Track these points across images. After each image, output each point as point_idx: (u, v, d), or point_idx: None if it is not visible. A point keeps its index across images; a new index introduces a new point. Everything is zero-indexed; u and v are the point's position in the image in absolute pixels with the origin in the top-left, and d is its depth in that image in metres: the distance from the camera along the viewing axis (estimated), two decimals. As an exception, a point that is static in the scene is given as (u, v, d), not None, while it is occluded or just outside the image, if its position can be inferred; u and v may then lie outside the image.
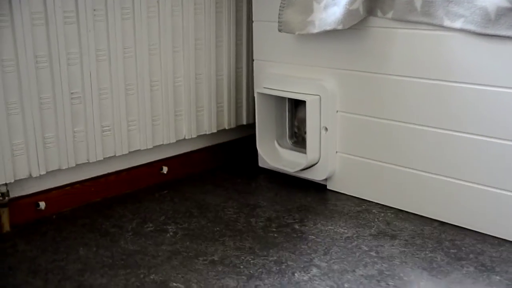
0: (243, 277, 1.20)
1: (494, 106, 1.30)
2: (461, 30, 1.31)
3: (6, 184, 1.41)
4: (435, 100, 1.39)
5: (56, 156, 1.47)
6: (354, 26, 1.47)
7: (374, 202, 1.57)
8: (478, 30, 1.27)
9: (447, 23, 1.32)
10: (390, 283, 1.17)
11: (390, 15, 1.42)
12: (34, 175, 1.43)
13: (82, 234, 1.40)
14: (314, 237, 1.37)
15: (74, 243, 1.35)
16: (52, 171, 1.48)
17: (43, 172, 1.44)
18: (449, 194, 1.41)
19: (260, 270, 1.23)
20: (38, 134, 1.42)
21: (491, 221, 1.35)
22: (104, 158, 1.57)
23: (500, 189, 1.32)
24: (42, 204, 1.48)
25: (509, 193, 1.31)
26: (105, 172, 1.63)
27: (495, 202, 1.34)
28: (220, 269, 1.23)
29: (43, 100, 1.42)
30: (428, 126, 1.42)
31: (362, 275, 1.20)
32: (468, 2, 1.27)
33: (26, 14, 1.35)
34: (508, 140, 1.29)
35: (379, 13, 1.44)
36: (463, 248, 1.31)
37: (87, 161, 1.54)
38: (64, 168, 1.49)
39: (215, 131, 1.83)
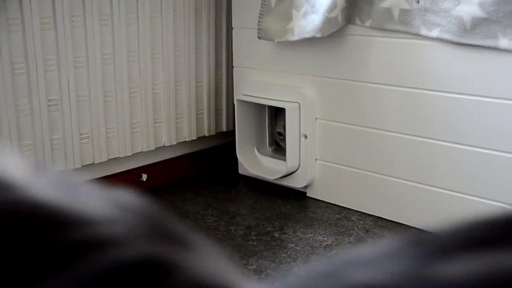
0: (222, 286, 1.19)
1: (471, 114, 1.31)
2: (437, 39, 1.32)
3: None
4: (413, 108, 1.40)
5: (33, 164, 1.44)
6: (333, 34, 1.48)
7: (354, 210, 1.57)
8: (454, 39, 1.28)
9: (424, 32, 1.33)
10: (368, 291, 1.18)
11: (368, 23, 1.43)
12: (10, 183, 1.41)
13: (59, 243, 1.38)
14: (293, 245, 1.37)
15: (51, 252, 1.34)
16: (29, 179, 1.46)
17: (19, 180, 1.42)
18: (427, 201, 1.42)
19: (239, 278, 1.22)
20: (14, 142, 1.40)
21: (468, 228, 1.36)
22: (82, 166, 1.56)
23: (476, 196, 1.34)
24: (19, 213, 1.46)
25: (485, 201, 1.33)
26: (84, 180, 1.61)
27: (472, 209, 1.35)
28: (199, 278, 1.22)
29: (19, 107, 1.40)
30: (405, 134, 1.43)
31: (341, 283, 1.21)
32: (445, 12, 1.29)
33: (2, 20, 1.33)
34: (485, 148, 1.31)
35: (358, 21, 1.45)
36: (440, 255, 1.31)
37: (64, 169, 1.52)
38: (41, 176, 1.47)
39: (195, 138, 1.82)
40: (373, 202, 1.53)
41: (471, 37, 1.26)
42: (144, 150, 1.69)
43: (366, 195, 1.54)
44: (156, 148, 1.73)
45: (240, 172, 1.83)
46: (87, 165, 1.57)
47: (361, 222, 1.50)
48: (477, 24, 1.24)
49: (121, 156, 1.64)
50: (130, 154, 1.66)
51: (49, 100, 1.45)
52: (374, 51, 1.44)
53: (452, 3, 1.27)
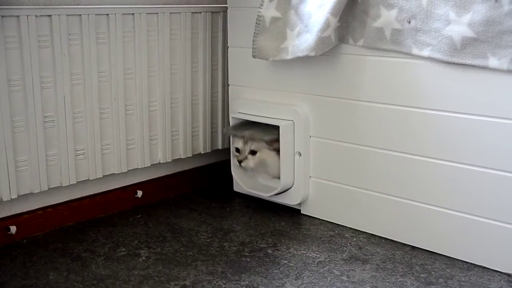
0: (214, 302, 1.20)
1: (462, 132, 1.33)
2: (429, 58, 1.34)
3: (-24, 208, 1.40)
4: (405, 126, 1.42)
5: (28, 180, 1.46)
6: (326, 53, 1.50)
7: (347, 227, 1.58)
8: (445, 58, 1.30)
9: (415, 51, 1.36)
10: (360, 307, 1.18)
11: (361, 42, 1.45)
12: (5, 199, 1.42)
13: (53, 258, 1.39)
14: (286, 261, 1.38)
15: (44, 267, 1.34)
16: (24, 195, 1.47)
17: (14, 196, 1.43)
18: (420, 219, 1.43)
19: (232, 294, 1.23)
20: (9, 158, 1.41)
21: (460, 245, 1.37)
22: (77, 182, 1.57)
23: (470, 214, 1.35)
24: (13, 229, 1.47)
25: (478, 218, 1.33)
26: (79, 196, 1.62)
27: (465, 227, 1.36)
28: (191, 294, 1.23)
29: (15, 123, 1.41)
30: (398, 152, 1.44)
31: (332, 299, 1.21)
32: (435, 32, 1.31)
33: (0, 37, 1.35)
34: (476, 166, 1.32)
35: (351, 41, 1.47)
36: (433, 273, 1.32)
37: (60, 185, 1.53)
38: (36, 192, 1.48)
39: (190, 155, 1.83)
40: (367, 219, 1.54)
41: (461, 56, 1.28)
42: (139, 167, 1.71)
43: (359, 213, 1.55)
44: (151, 165, 1.74)
45: (235, 189, 1.84)
46: (82, 181, 1.58)
47: (354, 239, 1.51)
48: (467, 44, 1.26)
49: (117, 172, 1.65)
50: (126, 170, 1.67)
51: (45, 116, 1.46)
52: (366, 70, 1.46)
53: (442, 23, 1.29)
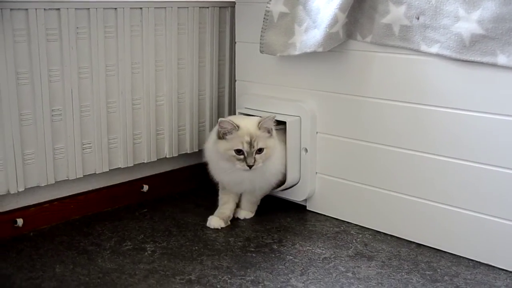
0: (219, 296, 1.20)
1: (470, 130, 1.32)
2: (437, 55, 1.33)
3: (-17, 200, 1.40)
4: (412, 123, 1.41)
5: (35, 173, 1.46)
6: (334, 49, 1.49)
7: (353, 223, 1.58)
8: (454, 55, 1.30)
9: (423, 48, 1.35)
10: (365, 304, 1.18)
11: (369, 39, 1.45)
12: (12, 191, 1.42)
13: (59, 251, 1.39)
14: (292, 257, 1.38)
15: (50, 260, 1.35)
16: (31, 187, 1.47)
17: (21, 189, 1.44)
18: (426, 216, 1.43)
19: (237, 289, 1.23)
20: (17, 150, 1.41)
21: (466, 243, 1.37)
22: (84, 176, 1.57)
23: (476, 212, 1.34)
24: (20, 221, 1.47)
25: (484, 216, 1.33)
26: (85, 190, 1.63)
27: (471, 224, 1.35)
28: (196, 288, 1.23)
29: (23, 116, 1.42)
30: (405, 149, 1.44)
31: (338, 295, 1.21)
32: (444, 28, 1.30)
33: (9, 30, 1.35)
34: (483, 163, 1.31)
35: (359, 37, 1.47)
36: (438, 270, 1.32)
37: (66, 178, 1.53)
38: (43, 185, 1.48)
39: (196, 150, 1.83)
40: (372, 216, 1.53)
41: (470, 53, 1.27)
42: (146, 161, 1.71)
43: (365, 209, 1.55)
44: (158, 159, 1.74)
45: (241, 184, 1.84)
46: (89, 175, 1.59)
47: (360, 235, 1.50)
48: (475, 41, 1.26)
49: (123, 166, 1.65)
50: (132, 165, 1.67)
51: (52, 110, 1.47)
52: (374, 66, 1.46)
53: (451, 20, 1.29)
